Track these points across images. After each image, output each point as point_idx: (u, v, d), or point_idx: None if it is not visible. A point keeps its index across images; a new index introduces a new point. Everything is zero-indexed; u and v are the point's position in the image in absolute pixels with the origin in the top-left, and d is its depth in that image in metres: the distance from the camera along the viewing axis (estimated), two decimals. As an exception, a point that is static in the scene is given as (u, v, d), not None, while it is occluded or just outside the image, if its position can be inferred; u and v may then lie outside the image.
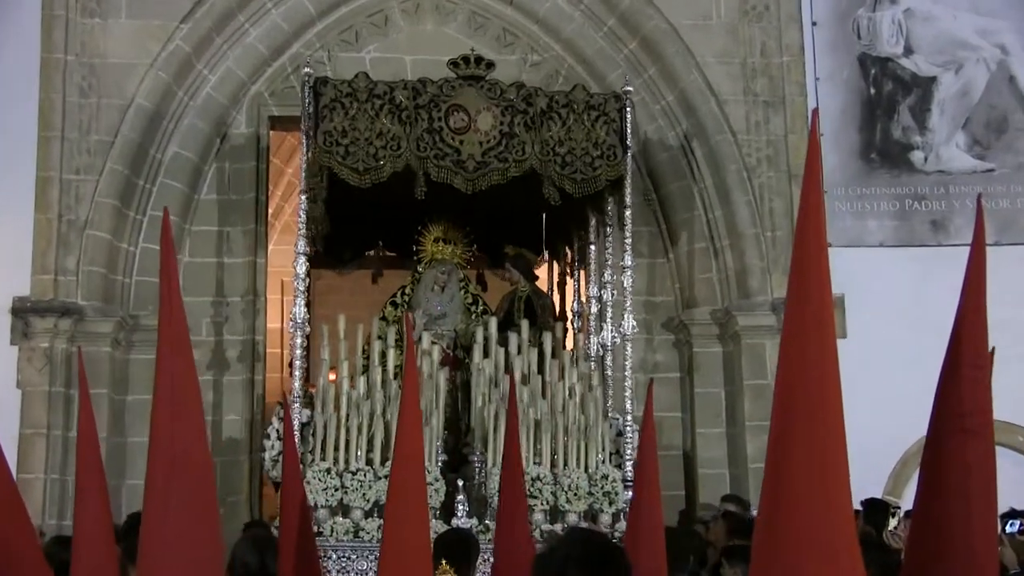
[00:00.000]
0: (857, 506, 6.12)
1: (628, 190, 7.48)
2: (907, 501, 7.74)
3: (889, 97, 8.91)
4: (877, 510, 6.47)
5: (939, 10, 8.99)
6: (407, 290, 8.24)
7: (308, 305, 8.98)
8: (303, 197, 7.22)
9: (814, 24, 8.88)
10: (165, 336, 2.79)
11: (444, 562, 4.08)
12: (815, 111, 2.41)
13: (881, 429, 7.44)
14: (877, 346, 8.10)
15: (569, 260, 8.78)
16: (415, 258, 8.34)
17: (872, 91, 8.92)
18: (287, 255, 9.05)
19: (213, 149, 8.89)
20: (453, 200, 7.55)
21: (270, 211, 9.44)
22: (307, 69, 7.28)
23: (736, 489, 8.27)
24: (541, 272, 9.14)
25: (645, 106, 8.90)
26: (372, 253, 8.91)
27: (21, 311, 8.09)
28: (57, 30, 8.39)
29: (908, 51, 8.95)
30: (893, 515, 6.96)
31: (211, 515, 2.78)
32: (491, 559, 6.25)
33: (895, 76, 8.93)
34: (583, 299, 8.41)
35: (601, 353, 7.90)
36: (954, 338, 2.41)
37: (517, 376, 6.94)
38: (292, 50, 8.98)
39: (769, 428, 2.16)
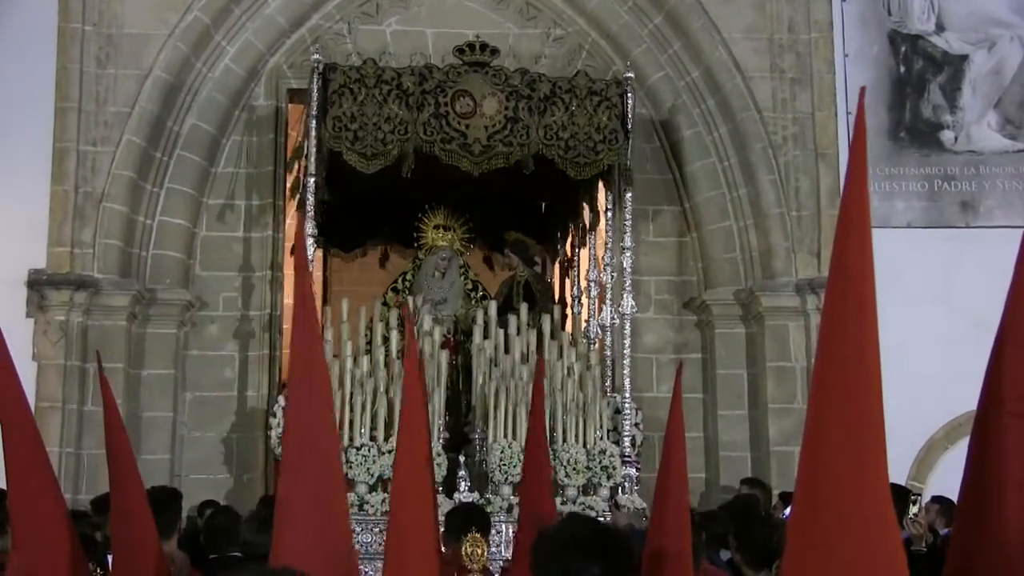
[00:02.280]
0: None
1: (630, 173, 7.55)
2: (931, 487, 7.62)
3: (919, 75, 8.72)
4: (897, 497, 6.34)
5: (972, -14, 8.79)
6: (408, 276, 8.34)
7: (325, 282, 8.98)
8: (311, 180, 7.27)
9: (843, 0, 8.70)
10: (299, 324, 2.99)
11: (474, 530, 4.24)
12: (863, 89, 2.32)
13: (906, 414, 7.27)
14: (904, 329, 7.90)
15: (570, 244, 8.78)
16: (415, 244, 8.37)
17: (902, 69, 8.73)
18: (304, 229, 8.97)
19: (231, 121, 8.82)
20: (453, 187, 7.66)
21: (288, 184, 9.36)
22: (316, 56, 7.26)
23: (757, 472, 8.17)
24: (540, 257, 9.16)
25: (669, 82, 8.76)
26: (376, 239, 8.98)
27: (37, 283, 8.05)
28: (74, -1, 8.31)
29: (940, 28, 8.76)
30: (913, 502, 6.85)
31: (340, 498, 2.95)
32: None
33: (926, 54, 8.74)
34: (583, 283, 8.43)
35: (601, 334, 7.94)
36: (1005, 318, 2.31)
37: (516, 356, 7.15)
38: (311, 22, 8.88)
39: (807, 409, 2.08)
